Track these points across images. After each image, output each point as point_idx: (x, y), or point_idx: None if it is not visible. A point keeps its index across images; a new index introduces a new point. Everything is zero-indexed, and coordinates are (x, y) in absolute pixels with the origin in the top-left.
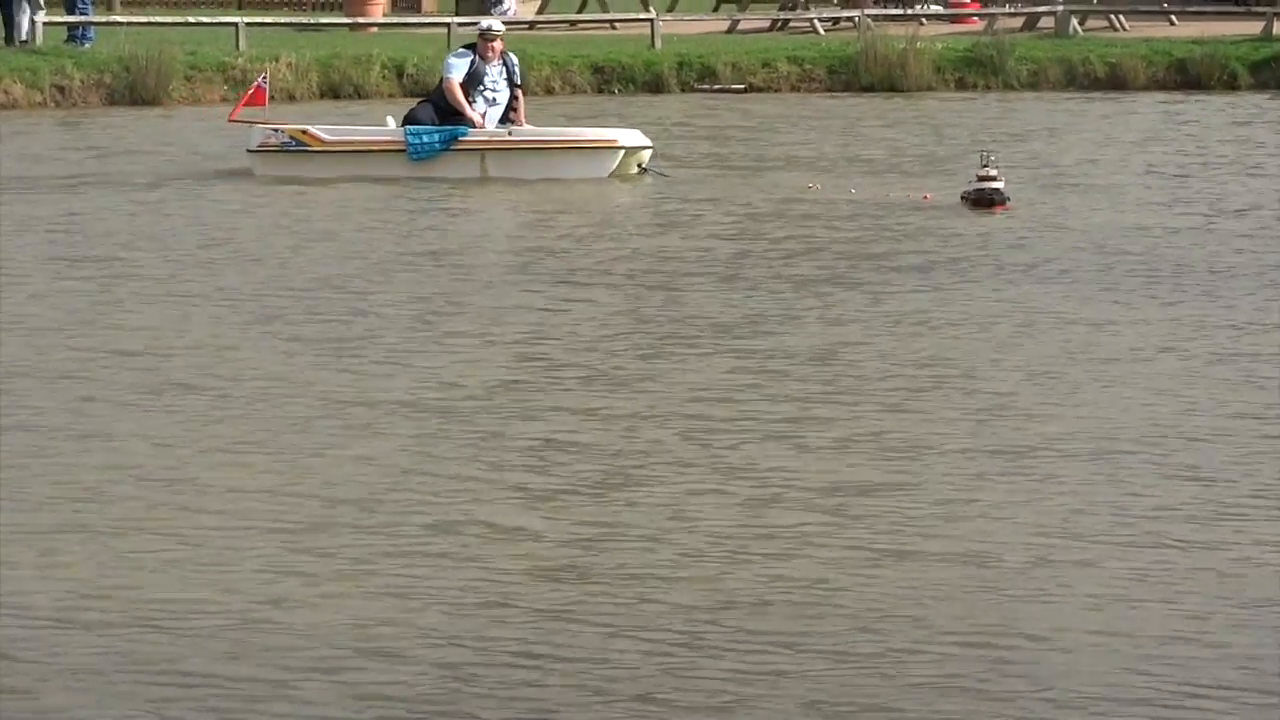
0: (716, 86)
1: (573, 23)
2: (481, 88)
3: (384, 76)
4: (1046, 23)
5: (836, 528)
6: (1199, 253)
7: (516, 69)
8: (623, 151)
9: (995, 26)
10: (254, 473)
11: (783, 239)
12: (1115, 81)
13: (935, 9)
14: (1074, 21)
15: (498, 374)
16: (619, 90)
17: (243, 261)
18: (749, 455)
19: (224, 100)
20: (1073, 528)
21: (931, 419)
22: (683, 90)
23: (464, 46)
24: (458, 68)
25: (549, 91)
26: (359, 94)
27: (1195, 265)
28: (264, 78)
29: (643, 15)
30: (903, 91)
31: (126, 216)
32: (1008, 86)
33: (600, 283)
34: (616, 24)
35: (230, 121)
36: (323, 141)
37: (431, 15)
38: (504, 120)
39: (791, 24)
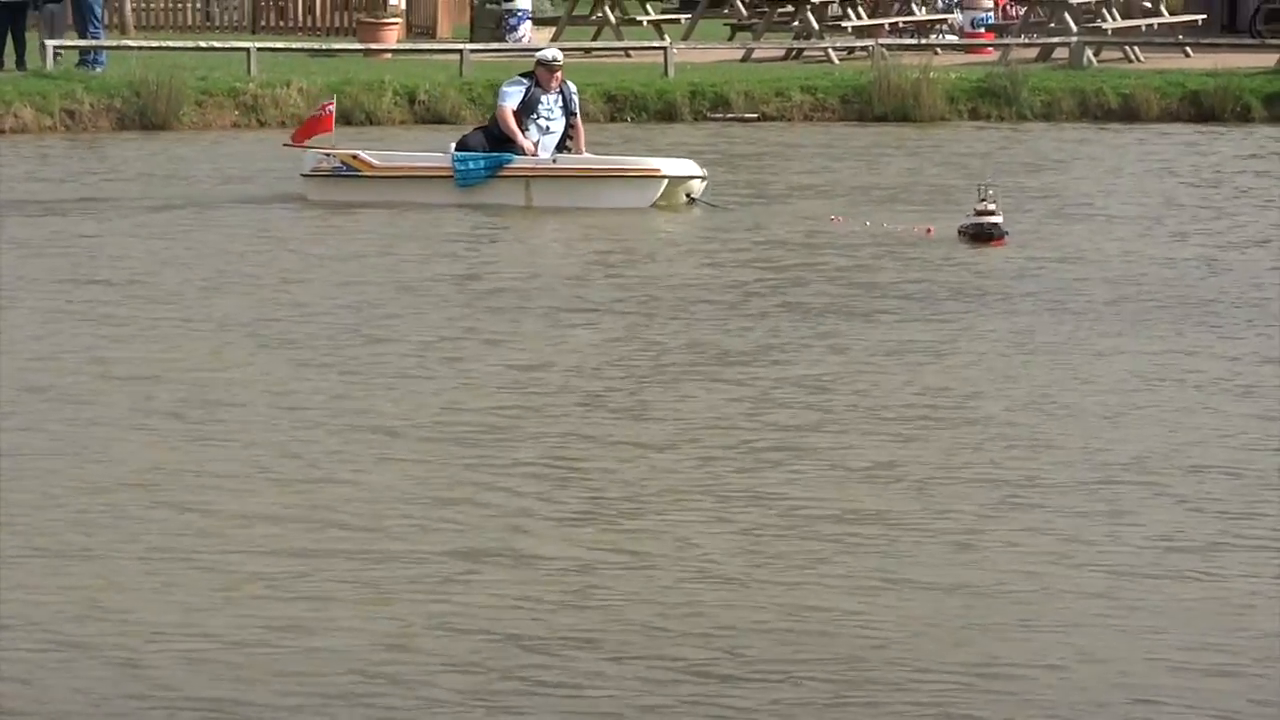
0: (729, 115)
1: (587, 50)
2: (535, 116)
3: (395, 103)
4: (1061, 54)
5: (842, 556)
6: (1210, 285)
7: (575, 98)
8: (665, 181)
9: (1009, 57)
10: (263, 498)
11: (792, 268)
12: (1129, 113)
13: (950, 39)
14: (1088, 53)
15: (511, 400)
16: (631, 119)
17: (281, 286)
18: (753, 483)
19: (235, 125)
20: (1075, 558)
21: (936, 449)
22: (695, 119)
23: (521, 75)
24: (512, 95)
25: None
26: (370, 120)
27: (1206, 297)
28: (329, 104)
29: (657, 44)
30: (915, 121)
31: (185, 241)
32: (1021, 117)
33: (616, 310)
34: (631, 52)
35: (286, 146)
36: (373, 167)
37: (446, 41)
38: (561, 149)
39: (805, 53)
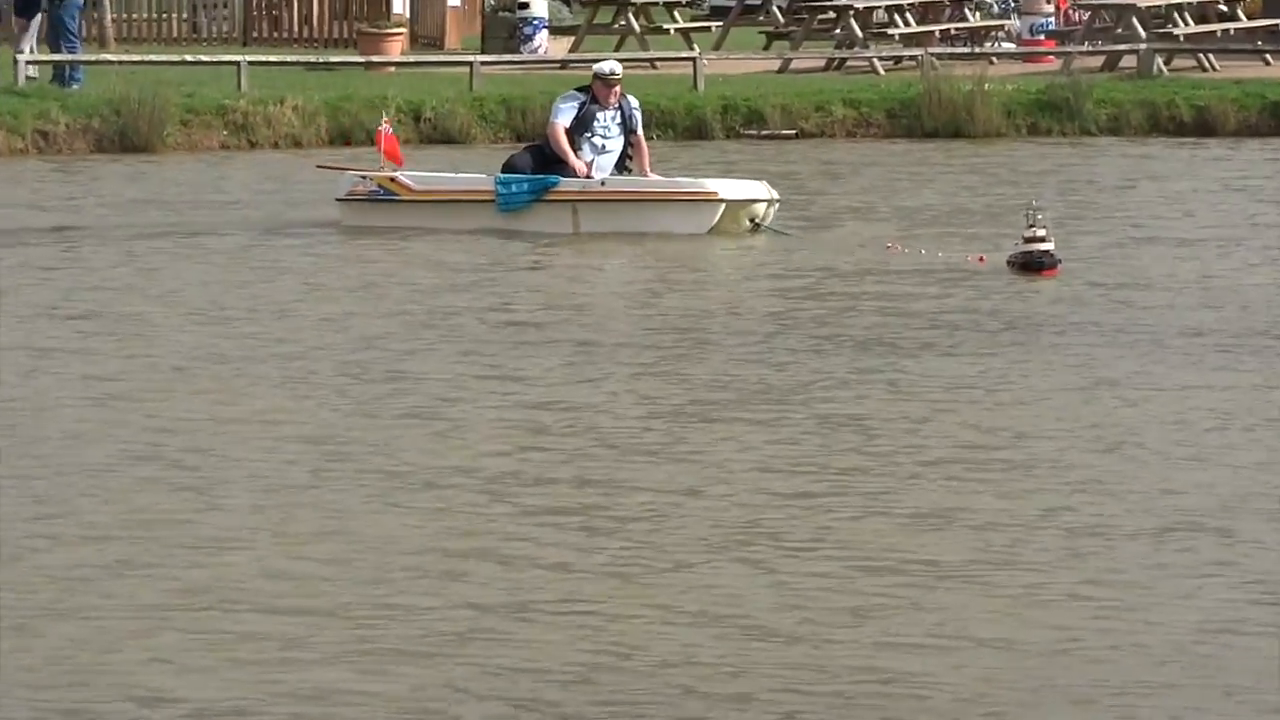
0: (764, 132)
1: None
2: (590, 134)
3: (400, 121)
4: (1129, 62)
5: (895, 611)
6: None
7: (636, 114)
8: (723, 205)
9: (1072, 66)
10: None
11: (843, 298)
12: (1203, 126)
13: (1007, 47)
14: (1158, 61)
15: (541, 441)
16: (657, 136)
17: (313, 318)
18: (796, 531)
19: (223, 147)
20: (1149, 611)
21: (991, 494)
22: (727, 136)
23: (576, 89)
24: (565, 111)
25: None
26: (372, 140)
27: None
28: (388, 125)
29: (685, 54)
30: (969, 137)
31: (214, 267)
32: (1085, 132)
33: (654, 345)
34: (657, 63)
35: (319, 168)
36: (411, 190)
37: (455, 53)
38: (620, 170)
39: (848, 64)
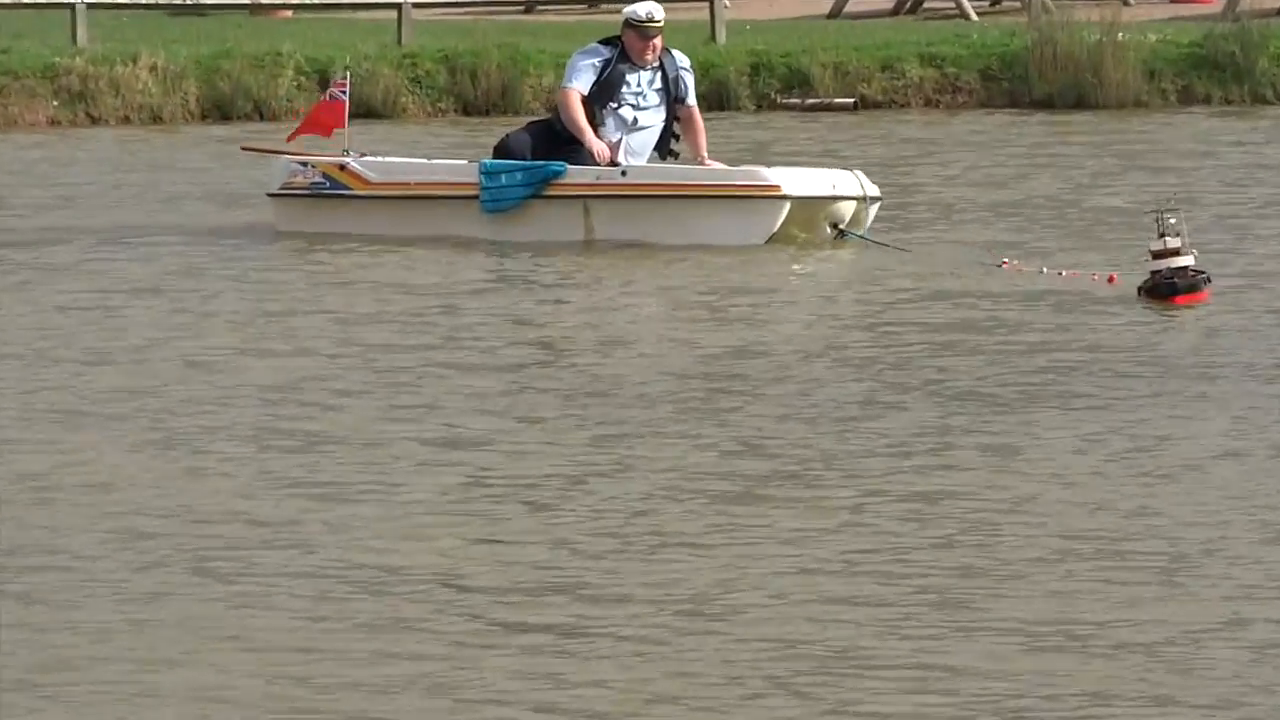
0: (811, 101)
1: (592, 2)
2: (617, 104)
3: (299, 86)
4: None
5: None
6: None
7: (685, 76)
8: (787, 203)
9: (1240, 8)
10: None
11: (941, 332)
12: None
13: None
14: None
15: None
16: None
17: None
18: (880, 650)
19: (52, 123)
20: None
21: (1119, 600)
22: (759, 107)
23: (600, 41)
24: (582, 73)
25: (532, 112)
26: (261, 112)
27: None
28: (342, 83)
29: None
30: (1096, 108)
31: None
32: (1259, 99)
33: (684, 397)
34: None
35: (246, 150)
36: (368, 183)
37: None
38: (664, 153)
39: (927, 4)
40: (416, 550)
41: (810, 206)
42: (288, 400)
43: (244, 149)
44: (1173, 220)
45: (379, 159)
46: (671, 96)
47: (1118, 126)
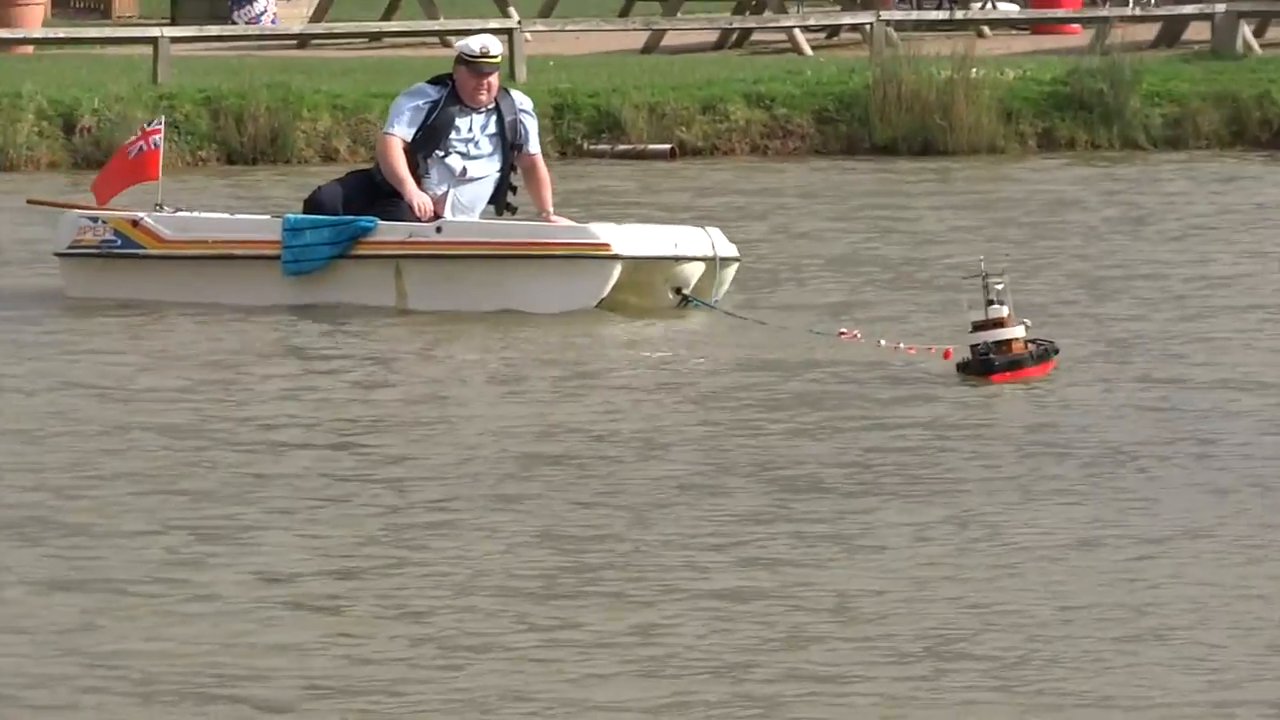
0: (622, 147)
1: (374, 36)
2: (442, 152)
3: (41, 133)
4: (1198, 32)
5: None
6: None
7: (526, 121)
8: (617, 264)
9: (1109, 39)
10: None
11: (769, 415)
12: None
13: (1006, 10)
14: (1245, 30)
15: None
16: None
17: None
18: None
19: None
20: None
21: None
22: (563, 155)
23: (430, 81)
24: (405, 116)
25: (305, 161)
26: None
27: None
28: (156, 128)
29: (496, 24)
30: (945, 154)
31: None
32: (1129, 143)
33: (455, 505)
34: (450, 38)
35: (31, 203)
36: (162, 241)
37: (128, 22)
38: (500, 207)
39: (755, 37)
40: (179, 652)
41: (647, 268)
42: (43, 487)
43: (30, 202)
44: (1000, 286)
45: (177, 214)
46: (508, 143)
47: (970, 175)
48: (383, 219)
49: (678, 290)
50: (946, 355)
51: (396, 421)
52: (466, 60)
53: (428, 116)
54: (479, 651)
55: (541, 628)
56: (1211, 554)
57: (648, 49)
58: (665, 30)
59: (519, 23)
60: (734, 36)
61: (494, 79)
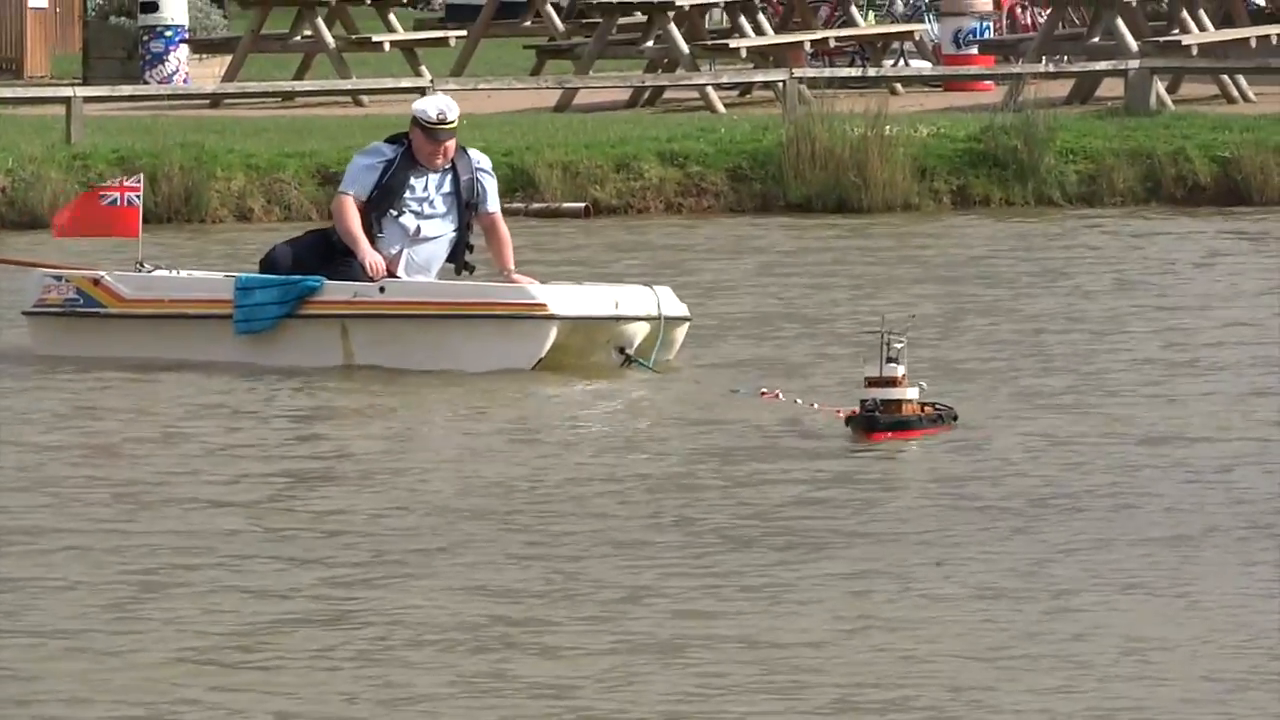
0: (536, 206)
1: (287, 95)
2: (396, 212)
3: None
4: (1111, 88)
5: None
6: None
7: (484, 180)
8: (554, 325)
9: (1021, 97)
10: None
11: (677, 475)
12: (1230, 191)
13: (919, 66)
14: (1158, 87)
15: None
16: None
17: None
18: None
19: None
20: None
21: None
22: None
23: (387, 140)
24: (360, 176)
25: (220, 220)
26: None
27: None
28: (135, 185)
29: (409, 82)
30: (860, 211)
31: None
32: (1044, 200)
33: (359, 564)
34: (365, 98)
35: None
36: (121, 300)
37: (41, 81)
38: (459, 267)
39: (668, 95)
40: (101, 700)
41: (587, 328)
42: None
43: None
44: (900, 345)
45: (139, 273)
46: (464, 202)
47: (884, 232)
48: (338, 278)
49: (621, 350)
50: (839, 414)
51: (332, 475)
52: (423, 125)
53: (382, 176)
54: (411, 703)
55: (469, 678)
56: (1129, 604)
57: (560, 107)
58: (578, 89)
59: (431, 81)
60: (646, 94)
61: (451, 144)
